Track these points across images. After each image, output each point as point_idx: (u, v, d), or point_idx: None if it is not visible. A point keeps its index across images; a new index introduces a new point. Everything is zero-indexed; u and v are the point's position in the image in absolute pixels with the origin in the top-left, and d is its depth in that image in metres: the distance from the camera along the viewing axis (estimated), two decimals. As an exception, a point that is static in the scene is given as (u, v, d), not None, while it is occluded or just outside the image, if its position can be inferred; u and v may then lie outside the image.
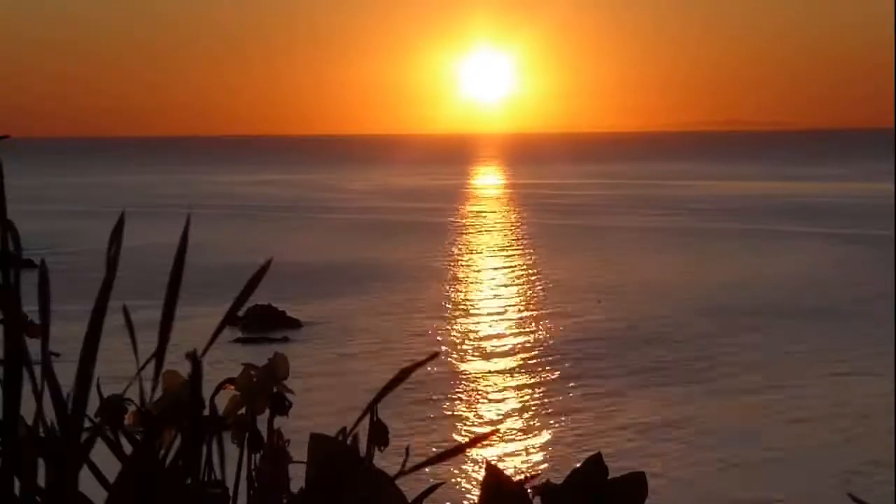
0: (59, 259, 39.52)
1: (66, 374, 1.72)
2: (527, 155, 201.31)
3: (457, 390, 23.20)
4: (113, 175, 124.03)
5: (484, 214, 69.34)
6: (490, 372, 25.08)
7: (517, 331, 29.90)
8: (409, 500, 2.06)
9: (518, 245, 51.12)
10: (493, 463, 2.34)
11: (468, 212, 70.64)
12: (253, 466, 2.05)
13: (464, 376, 24.41)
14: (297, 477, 2.08)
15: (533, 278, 39.99)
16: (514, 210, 73.41)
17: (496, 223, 63.24)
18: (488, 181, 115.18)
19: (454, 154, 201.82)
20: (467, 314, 32.16)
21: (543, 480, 2.31)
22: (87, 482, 1.77)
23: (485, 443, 17.89)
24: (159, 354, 1.72)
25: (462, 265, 43.52)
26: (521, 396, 23.12)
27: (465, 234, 56.31)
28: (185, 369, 1.81)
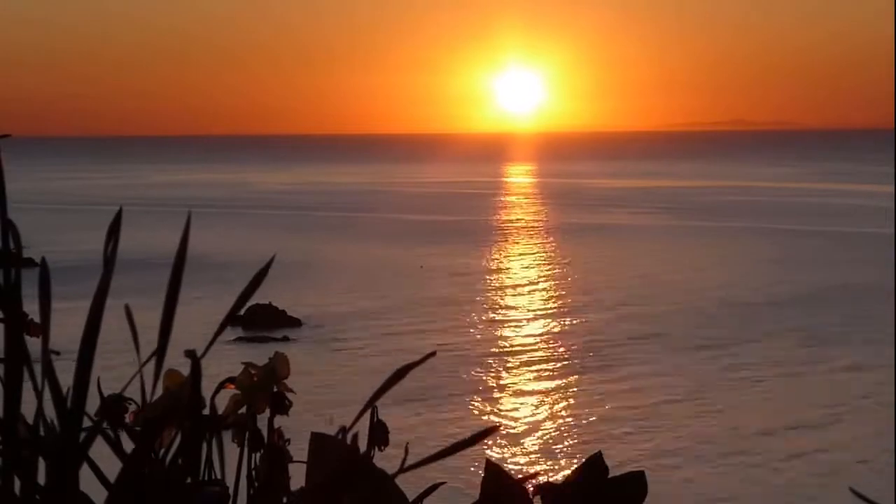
0: None
1: (65, 373, 1.72)
2: (548, 153, 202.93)
3: (455, 387, 23.20)
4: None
5: (497, 214, 69.36)
6: (487, 369, 25.07)
7: (518, 328, 29.91)
8: (410, 500, 2.06)
9: (533, 246, 51.11)
10: (493, 461, 2.34)
11: (473, 212, 70.62)
12: (253, 466, 2.04)
13: (462, 373, 24.40)
14: (298, 476, 2.08)
15: (540, 276, 40.02)
16: (537, 206, 73.61)
17: (512, 221, 63.25)
18: (516, 178, 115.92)
19: (484, 152, 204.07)
20: (467, 313, 32.14)
21: (543, 479, 2.30)
22: (88, 481, 1.77)
23: (487, 439, 17.88)
24: (160, 353, 1.72)
25: (460, 265, 43.49)
26: (523, 392, 23.13)
27: (465, 234, 56.28)
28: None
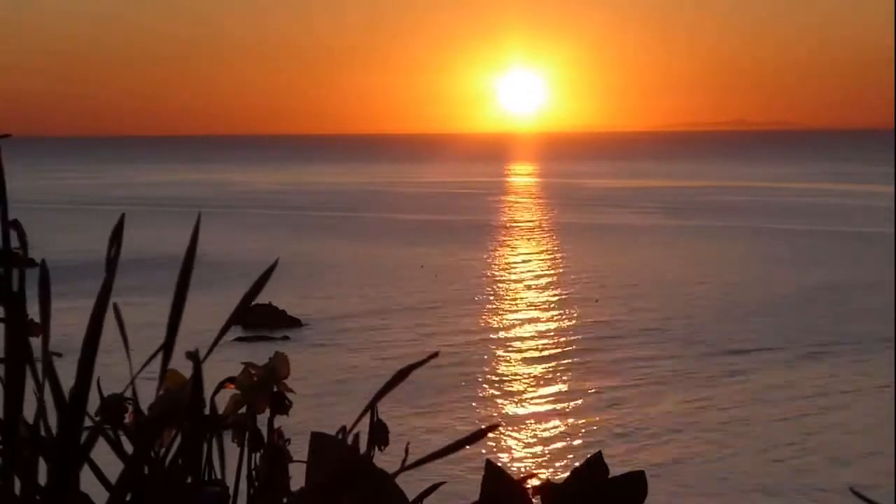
0: None
1: (64, 372, 1.72)
2: (550, 153, 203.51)
3: (457, 386, 23.20)
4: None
5: (494, 214, 69.41)
6: (489, 368, 25.08)
7: (519, 327, 29.91)
8: (410, 500, 2.06)
9: (534, 246, 51.13)
10: (493, 461, 2.35)
11: (474, 212, 70.63)
12: (253, 466, 2.05)
13: (464, 372, 24.40)
14: (298, 476, 2.08)
15: (540, 276, 40.04)
16: (538, 206, 73.67)
17: (513, 221, 63.26)
18: (513, 178, 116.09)
19: (486, 152, 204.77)
20: (468, 312, 32.14)
21: (543, 479, 2.31)
22: (88, 482, 1.77)
23: (486, 437, 17.91)
24: (165, 353, 1.73)
25: (460, 265, 43.49)
26: (525, 390, 23.14)
27: (465, 233, 56.27)
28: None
